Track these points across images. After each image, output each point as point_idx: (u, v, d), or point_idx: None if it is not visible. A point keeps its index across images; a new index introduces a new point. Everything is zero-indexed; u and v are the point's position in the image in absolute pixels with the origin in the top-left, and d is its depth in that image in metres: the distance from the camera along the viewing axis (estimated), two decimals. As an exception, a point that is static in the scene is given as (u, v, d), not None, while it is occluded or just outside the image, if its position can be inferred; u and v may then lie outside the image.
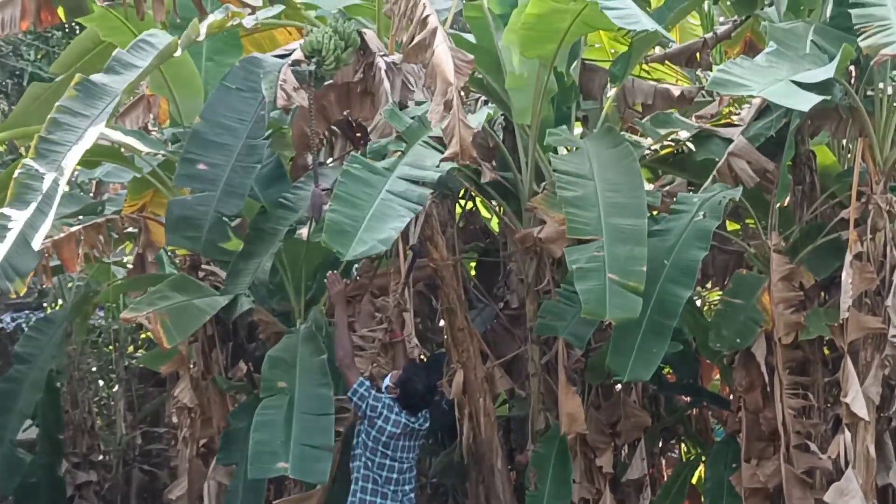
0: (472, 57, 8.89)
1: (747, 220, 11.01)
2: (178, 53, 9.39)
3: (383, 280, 10.69)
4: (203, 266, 11.19)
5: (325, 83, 9.77)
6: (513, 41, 9.81)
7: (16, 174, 8.51)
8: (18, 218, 8.32)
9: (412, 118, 9.44)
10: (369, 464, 9.33)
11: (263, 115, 9.90)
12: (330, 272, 9.82)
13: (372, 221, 8.44)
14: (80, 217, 11.95)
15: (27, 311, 16.20)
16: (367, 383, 9.50)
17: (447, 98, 8.16)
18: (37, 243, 8.34)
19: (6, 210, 8.38)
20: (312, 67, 9.34)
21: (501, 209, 10.91)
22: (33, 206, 8.43)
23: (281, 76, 9.28)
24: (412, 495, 9.52)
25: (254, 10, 10.03)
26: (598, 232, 8.92)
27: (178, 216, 10.04)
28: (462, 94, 9.06)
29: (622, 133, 11.00)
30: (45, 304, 15.62)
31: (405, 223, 8.66)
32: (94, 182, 13.82)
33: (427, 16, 8.89)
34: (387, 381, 9.54)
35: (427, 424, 9.60)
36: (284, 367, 9.81)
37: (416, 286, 11.09)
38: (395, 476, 9.36)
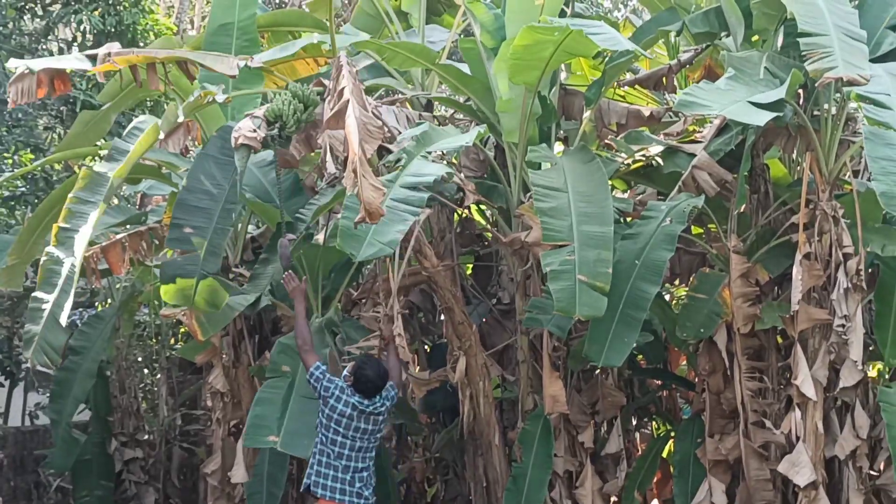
0: (380, 123, 8.92)
1: (709, 225, 10.97)
2: (161, 136, 9.51)
3: (388, 285, 10.67)
4: (233, 269, 11.15)
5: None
6: (502, 69, 9.79)
7: (42, 260, 9.43)
8: (48, 300, 9.24)
9: (412, 138, 9.41)
10: (324, 439, 9.26)
11: (237, 180, 9.91)
12: (286, 273, 9.76)
13: (379, 226, 8.38)
14: (126, 226, 11.90)
15: (80, 309, 16.17)
16: (323, 367, 9.42)
17: (353, 167, 8.13)
18: (63, 320, 9.19)
19: (39, 293, 9.38)
20: (276, 132, 9.33)
21: (493, 217, 10.91)
22: (58, 288, 9.21)
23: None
24: (365, 474, 9.31)
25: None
26: (569, 238, 8.90)
27: (170, 276, 10.07)
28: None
29: (596, 150, 11.07)
30: (96, 303, 15.57)
31: (408, 226, 8.59)
32: (138, 195, 13.78)
33: (343, 88, 8.83)
34: (345, 372, 9.48)
35: (382, 412, 9.38)
36: (291, 354, 9.78)
37: (411, 291, 11.08)
38: (346, 452, 9.22)
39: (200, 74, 10.63)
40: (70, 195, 9.58)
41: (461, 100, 11.19)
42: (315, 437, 9.38)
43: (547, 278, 8.84)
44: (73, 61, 10.54)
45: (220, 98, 9.58)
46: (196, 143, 12.78)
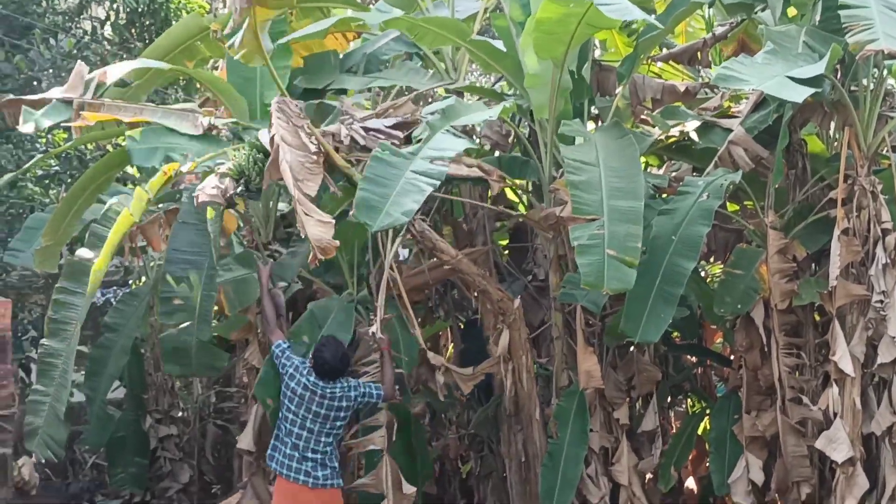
0: (315, 158, 8.83)
1: (746, 202, 10.94)
2: (136, 218, 9.67)
3: (419, 279, 10.67)
4: (267, 246, 11.14)
5: None
6: (528, 44, 9.72)
7: (38, 354, 10.46)
8: (49, 393, 10.13)
9: (434, 112, 9.43)
10: (280, 415, 9.27)
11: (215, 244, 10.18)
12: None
13: (397, 197, 8.40)
14: (160, 205, 11.91)
15: (115, 287, 16.24)
16: (284, 345, 9.44)
17: (302, 206, 8.25)
18: (61, 413, 10.23)
19: (38, 386, 10.30)
20: (242, 188, 9.31)
21: (527, 195, 10.93)
22: (57, 381, 10.15)
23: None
24: (318, 456, 9.21)
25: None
26: (599, 212, 8.83)
27: (170, 349, 10.51)
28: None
29: (631, 125, 11.06)
30: (130, 281, 15.62)
31: (425, 195, 8.56)
32: (173, 173, 13.83)
33: (273, 136, 8.83)
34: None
35: (341, 400, 9.26)
36: (314, 324, 9.78)
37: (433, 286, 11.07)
38: (296, 430, 9.17)
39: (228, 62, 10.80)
40: (56, 286, 10.74)
41: (493, 78, 11.17)
42: None
43: (575, 253, 8.82)
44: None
45: (185, 168, 9.55)
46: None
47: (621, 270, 8.52)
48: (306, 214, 8.26)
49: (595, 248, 8.65)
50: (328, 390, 9.19)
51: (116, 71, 10.73)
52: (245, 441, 10.78)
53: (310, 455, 9.15)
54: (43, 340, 10.05)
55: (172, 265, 10.32)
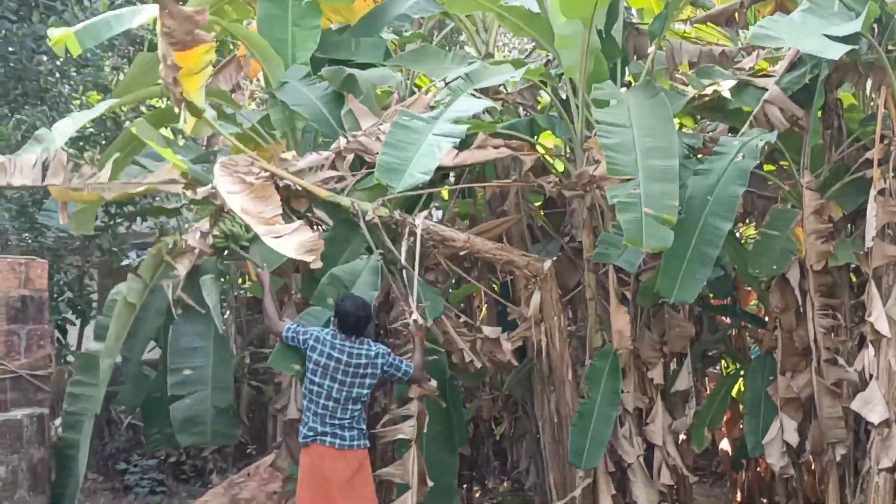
0: (258, 187, 9.04)
1: (781, 162, 10.87)
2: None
3: (451, 249, 10.67)
4: (307, 213, 11.11)
5: None
6: (556, 5, 9.72)
7: (53, 445, 10.64)
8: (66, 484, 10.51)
9: (458, 77, 9.46)
10: (306, 383, 9.09)
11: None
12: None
13: (418, 159, 8.48)
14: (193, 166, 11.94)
15: (149, 249, 16.29)
16: (293, 325, 9.24)
17: (272, 233, 8.49)
18: None
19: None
20: (233, 245, 9.59)
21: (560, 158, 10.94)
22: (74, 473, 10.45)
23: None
24: (346, 421, 9.03)
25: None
26: (634, 172, 8.81)
27: (182, 419, 10.26)
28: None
29: (664, 85, 11.01)
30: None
31: (444, 152, 8.66)
32: (205, 136, 13.84)
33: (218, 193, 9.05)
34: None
35: (366, 366, 9.08)
36: (339, 286, 9.61)
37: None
38: (322, 402, 8.98)
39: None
40: (70, 380, 10.87)
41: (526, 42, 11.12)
42: None
43: (615, 211, 8.81)
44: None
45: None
46: (249, 79, 12.75)
47: (659, 229, 8.51)
48: (277, 237, 8.43)
49: (634, 205, 8.65)
50: (354, 350, 9.03)
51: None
52: (281, 402, 10.82)
53: (336, 421, 9.09)
54: (59, 432, 10.11)
55: (178, 335, 10.44)
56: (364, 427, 9.17)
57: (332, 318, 9.19)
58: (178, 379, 10.28)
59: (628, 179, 8.76)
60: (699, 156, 10.27)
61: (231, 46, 13.56)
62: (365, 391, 9.13)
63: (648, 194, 8.66)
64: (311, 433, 9.03)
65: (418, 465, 9.30)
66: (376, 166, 8.70)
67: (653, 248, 8.63)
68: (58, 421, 12.94)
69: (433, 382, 9.46)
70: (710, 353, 12.81)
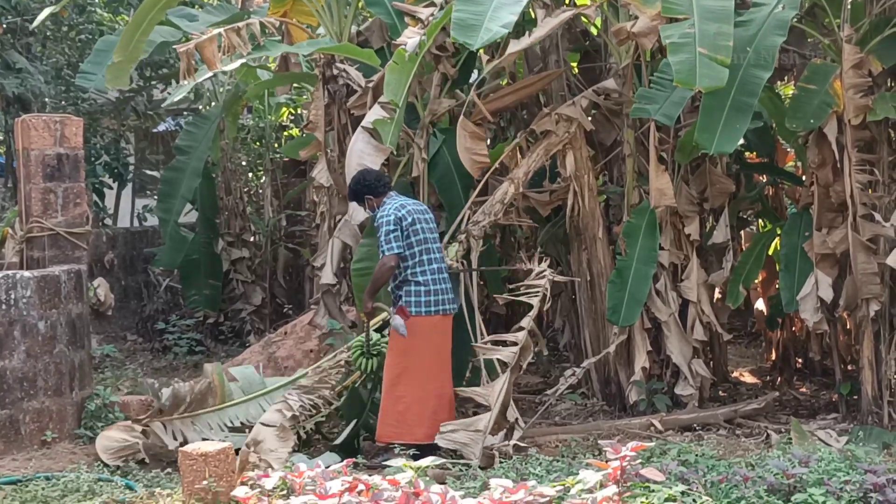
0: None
1: (823, 19, 10.75)
2: None
3: (498, 104, 10.70)
4: (336, 64, 11.13)
5: None
6: None
7: None
8: None
9: None
10: (415, 253, 8.89)
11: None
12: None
13: (494, 13, 8.52)
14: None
15: (186, 112, 16.41)
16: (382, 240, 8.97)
17: None
18: None
19: None
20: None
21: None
22: None
23: None
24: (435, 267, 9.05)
25: None
26: (689, 12, 8.86)
27: None
28: None
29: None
30: (199, 107, 15.77)
31: (522, 6, 8.72)
32: (241, -4, 13.85)
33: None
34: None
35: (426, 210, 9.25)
36: None
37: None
38: (436, 256, 9.02)
39: None
40: None
41: None
42: (405, 263, 9.01)
43: (658, 68, 8.79)
44: None
45: None
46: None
47: (713, 68, 8.58)
48: None
49: (687, 46, 8.71)
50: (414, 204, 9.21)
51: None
52: (326, 276, 10.89)
53: (439, 263, 9.17)
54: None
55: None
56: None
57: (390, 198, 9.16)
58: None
59: (682, 19, 8.80)
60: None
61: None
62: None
63: (703, 34, 8.73)
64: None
65: (505, 394, 9.07)
66: (451, 23, 8.73)
67: (707, 88, 8.66)
68: (96, 281, 13.18)
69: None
70: (745, 216, 12.83)
